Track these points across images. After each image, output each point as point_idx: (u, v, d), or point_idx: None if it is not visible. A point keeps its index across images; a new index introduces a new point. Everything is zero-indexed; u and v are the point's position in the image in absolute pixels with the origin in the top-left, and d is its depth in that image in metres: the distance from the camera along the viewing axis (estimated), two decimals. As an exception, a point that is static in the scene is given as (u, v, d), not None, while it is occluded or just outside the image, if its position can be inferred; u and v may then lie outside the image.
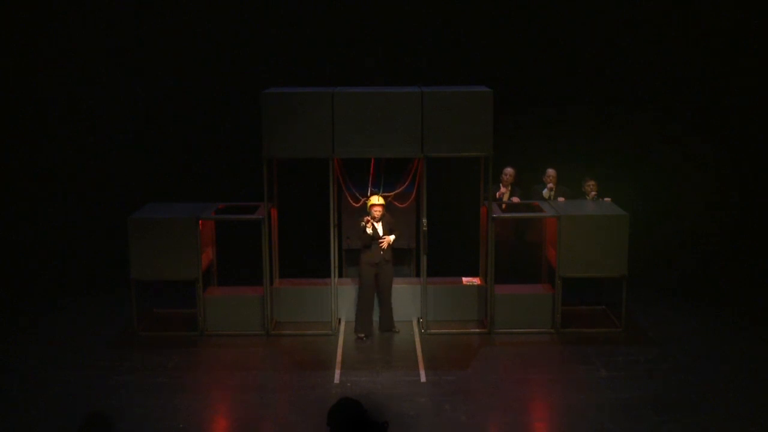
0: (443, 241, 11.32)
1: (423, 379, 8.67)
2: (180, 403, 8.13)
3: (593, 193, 10.64)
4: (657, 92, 12.85)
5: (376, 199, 9.74)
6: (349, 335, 9.92)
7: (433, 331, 9.99)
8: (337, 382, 8.62)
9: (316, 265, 10.77)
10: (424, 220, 9.73)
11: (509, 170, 10.99)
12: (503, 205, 10.64)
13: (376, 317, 10.08)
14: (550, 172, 11.04)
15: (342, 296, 10.23)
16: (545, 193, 10.97)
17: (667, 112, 12.83)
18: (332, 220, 9.81)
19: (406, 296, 10.33)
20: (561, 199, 10.78)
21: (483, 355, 9.38)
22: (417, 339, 9.79)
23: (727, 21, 12.70)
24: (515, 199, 10.85)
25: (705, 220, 12.90)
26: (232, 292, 10.38)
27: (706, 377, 8.67)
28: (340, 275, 10.57)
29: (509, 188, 11.00)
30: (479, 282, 10.45)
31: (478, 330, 10.05)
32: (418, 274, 10.52)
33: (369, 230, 9.66)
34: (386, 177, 10.19)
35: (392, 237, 9.79)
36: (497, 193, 10.87)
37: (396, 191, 10.14)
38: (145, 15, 12.64)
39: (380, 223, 9.73)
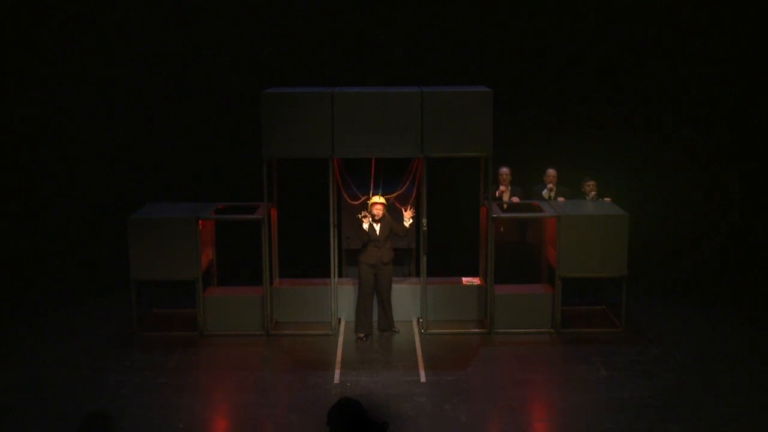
0: (443, 241, 11.32)
1: (423, 379, 8.67)
2: (180, 403, 8.13)
3: (593, 193, 10.64)
4: (657, 92, 12.85)
5: (377, 198, 9.74)
6: (349, 335, 9.92)
7: (433, 331, 9.99)
8: (337, 382, 8.62)
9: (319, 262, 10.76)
10: (424, 220, 9.73)
11: (505, 170, 10.99)
12: (504, 205, 10.64)
13: (376, 317, 10.08)
14: (551, 172, 11.04)
15: (342, 296, 10.24)
16: (545, 193, 10.98)
17: (667, 112, 12.83)
18: (332, 220, 9.81)
19: (406, 296, 10.33)
20: (561, 199, 10.78)
21: (483, 355, 9.38)
22: (417, 339, 9.79)
23: (727, 21, 12.70)
24: (515, 199, 10.85)
25: (705, 220, 12.90)
26: (232, 292, 10.38)
27: (706, 377, 8.68)
28: (340, 275, 10.57)
29: (509, 188, 11.00)
30: (479, 282, 10.45)
31: (478, 330, 10.05)
32: (418, 274, 10.52)
33: (365, 225, 9.65)
34: (386, 177, 10.19)
35: (408, 221, 9.77)
36: (497, 192, 10.87)
37: (397, 193, 10.13)
38: (146, 15, 12.64)
39: (379, 225, 9.72)
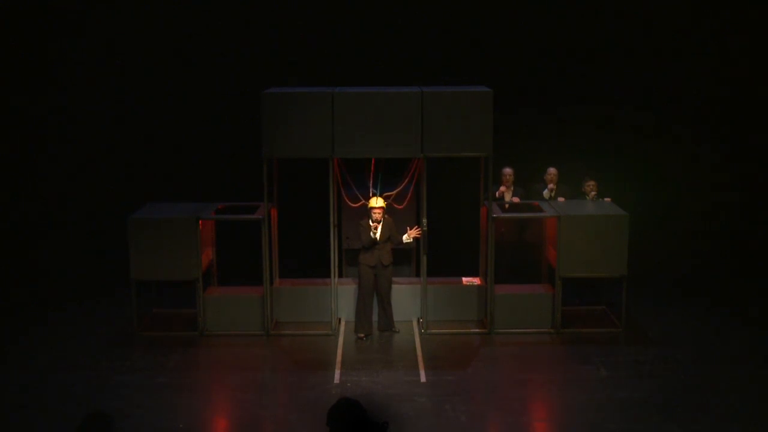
0: (443, 241, 11.32)
1: (423, 379, 8.67)
2: (180, 403, 8.13)
3: (593, 193, 10.65)
4: (657, 92, 12.85)
5: (376, 202, 9.74)
6: (349, 335, 9.92)
7: (433, 331, 9.99)
8: (337, 382, 8.62)
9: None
10: (424, 220, 9.73)
11: (508, 170, 11.00)
12: (505, 205, 10.64)
13: (376, 317, 10.08)
14: (552, 170, 11.05)
15: (342, 296, 10.23)
16: (545, 193, 10.98)
17: (667, 112, 12.83)
18: (332, 220, 9.81)
19: (406, 296, 10.33)
20: (561, 199, 10.79)
21: (483, 355, 9.38)
22: (417, 339, 9.79)
23: (726, 21, 12.70)
24: (515, 199, 10.85)
25: (705, 220, 12.89)
26: (232, 292, 10.38)
27: (706, 377, 8.67)
28: (340, 275, 10.58)
29: (511, 188, 11.01)
30: (479, 282, 10.45)
31: (478, 330, 10.05)
32: (418, 274, 10.52)
33: (374, 234, 9.67)
34: (386, 177, 10.19)
35: (409, 236, 9.82)
36: (497, 193, 10.87)
37: (396, 191, 10.14)
38: (146, 15, 12.65)
39: (380, 227, 9.72)
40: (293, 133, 9.47)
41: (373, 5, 12.58)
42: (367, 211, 9.78)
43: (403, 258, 10.84)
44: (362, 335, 9.84)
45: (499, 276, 10.17)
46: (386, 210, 9.84)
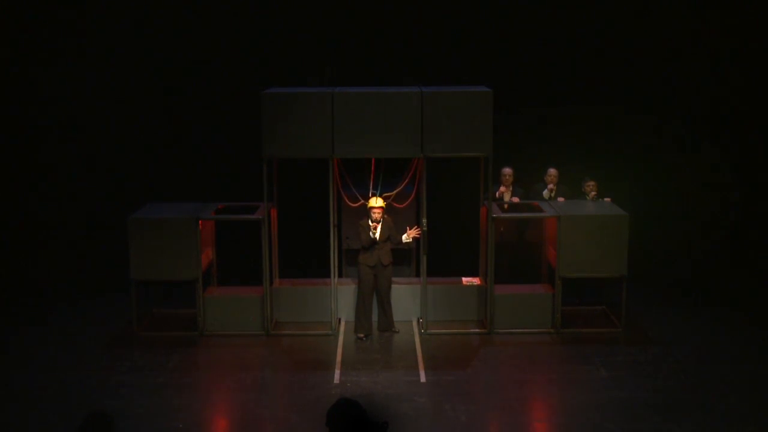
0: (443, 241, 11.32)
1: (423, 379, 8.67)
2: (180, 403, 8.13)
3: (593, 193, 10.65)
4: (657, 92, 12.83)
5: (375, 201, 9.74)
6: (349, 335, 9.92)
7: (433, 331, 9.99)
8: (337, 382, 8.62)
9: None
10: (424, 220, 9.73)
11: (507, 170, 11.00)
12: (505, 205, 10.64)
13: (376, 317, 10.08)
14: (552, 171, 11.05)
15: (342, 296, 10.24)
16: (545, 193, 10.98)
17: (667, 112, 12.82)
18: (332, 220, 9.82)
19: (406, 296, 10.33)
20: (561, 199, 10.79)
21: (483, 355, 9.38)
22: (417, 339, 9.79)
23: (726, 21, 12.69)
24: (515, 199, 10.86)
25: (705, 220, 12.88)
26: (232, 292, 10.39)
27: (706, 377, 8.68)
28: (340, 275, 10.58)
29: (511, 188, 11.01)
30: (479, 282, 10.45)
31: (478, 330, 10.05)
32: (418, 274, 10.52)
33: (374, 234, 9.68)
34: (386, 177, 10.19)
35: (409, 235, 9.82)
36: (497, 193, 10.88)
37: (396, 190, 10.15)
38: (145, 14, 12.64)
39: (379, 227, 9.72)
40: (293, 133, 9.48)
41: (373, 5, 12.57)
42: (367, 211, 9.78)
43: (403, 258, 10.84)
44: (362, 335, 9.84)
45: (499, 276, 10.18)
46: (386, 210, 9.85)
